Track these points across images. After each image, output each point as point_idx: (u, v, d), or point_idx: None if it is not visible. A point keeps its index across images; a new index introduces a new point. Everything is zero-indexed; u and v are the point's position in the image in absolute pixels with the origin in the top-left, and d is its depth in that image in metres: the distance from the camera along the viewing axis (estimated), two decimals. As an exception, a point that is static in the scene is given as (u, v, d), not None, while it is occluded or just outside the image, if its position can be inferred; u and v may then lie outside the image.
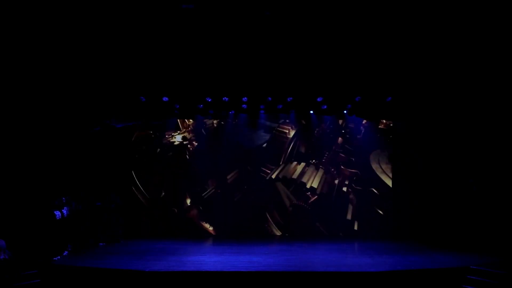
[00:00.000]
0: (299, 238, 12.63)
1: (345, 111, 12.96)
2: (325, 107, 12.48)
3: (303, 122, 13.62)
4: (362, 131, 13.54)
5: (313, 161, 13.49)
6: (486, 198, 11.31)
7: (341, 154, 13.50)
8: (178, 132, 13.64)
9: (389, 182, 13.24)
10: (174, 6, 9.86)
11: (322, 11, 10.05)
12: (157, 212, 13.30)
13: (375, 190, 13.20)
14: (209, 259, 9.46)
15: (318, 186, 13.34)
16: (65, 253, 9.97)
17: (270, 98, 12.26)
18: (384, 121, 13.47)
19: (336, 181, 13.37)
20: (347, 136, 13.57)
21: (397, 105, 12.32)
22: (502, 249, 10.10)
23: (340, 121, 13.59)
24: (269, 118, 13.60)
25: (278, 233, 13.23)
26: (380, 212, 13.08)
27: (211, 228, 13.27)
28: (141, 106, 12.20)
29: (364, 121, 13.50)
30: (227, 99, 12.20)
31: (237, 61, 11.33)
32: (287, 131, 13.67)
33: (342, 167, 13.43)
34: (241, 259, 9.48)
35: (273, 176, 13.40)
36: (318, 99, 12.18)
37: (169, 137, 13.59)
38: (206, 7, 9.94)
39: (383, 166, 13.34)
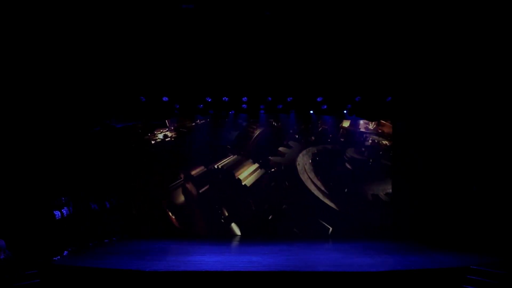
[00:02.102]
0: (298, 238, 12.66)
1: (345, 111, 12.96)
2: (325, 107, 12.49)
3: (274, 124, 13.69)
4: (345, 134, 13.61)
5: (272, 158, 13.63)
6: (486, 197, 11.31)
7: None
8: (161, 130, 13.74)
9: (311, 187, 13.31)
10: (174, 6, 9.88)
11: (322, 11, 10.07)
12: (157, 212, 13.34)
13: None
14: (209, 259, 9.46)
15: (252, 184, 13.51)
16: (65, 253, 9.97)
17: (270, 98, 12.28)
18: (373, 123, 13.50)
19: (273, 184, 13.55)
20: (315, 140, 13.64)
21: (397, 105, 12.33)
22: (502, 249, 10.10)
23: (320, 125, 13.68)
24: (240, 117, 13.75)
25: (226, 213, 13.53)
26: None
27: (173, 217, 13.44)
28: (141, 106, 12.22)
29: (347, 125, 13.53)
30: (227, 99, 12.22)
31: (237, 61, 11.35)
32: (254, 128, 13.80)
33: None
34: (241, 259, 9.48)
35: (219, 167, 13.58)
36: (318, 99, 12.19)
37: (152, 135, 13.72)
38: (206, 7, 9.96)
39: (306, 168, 13.40)
